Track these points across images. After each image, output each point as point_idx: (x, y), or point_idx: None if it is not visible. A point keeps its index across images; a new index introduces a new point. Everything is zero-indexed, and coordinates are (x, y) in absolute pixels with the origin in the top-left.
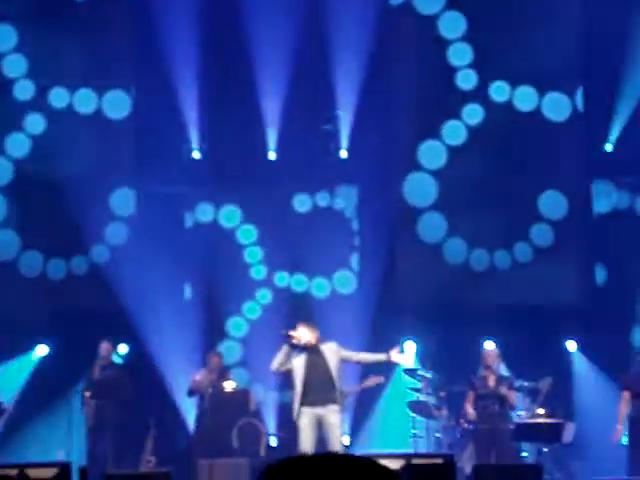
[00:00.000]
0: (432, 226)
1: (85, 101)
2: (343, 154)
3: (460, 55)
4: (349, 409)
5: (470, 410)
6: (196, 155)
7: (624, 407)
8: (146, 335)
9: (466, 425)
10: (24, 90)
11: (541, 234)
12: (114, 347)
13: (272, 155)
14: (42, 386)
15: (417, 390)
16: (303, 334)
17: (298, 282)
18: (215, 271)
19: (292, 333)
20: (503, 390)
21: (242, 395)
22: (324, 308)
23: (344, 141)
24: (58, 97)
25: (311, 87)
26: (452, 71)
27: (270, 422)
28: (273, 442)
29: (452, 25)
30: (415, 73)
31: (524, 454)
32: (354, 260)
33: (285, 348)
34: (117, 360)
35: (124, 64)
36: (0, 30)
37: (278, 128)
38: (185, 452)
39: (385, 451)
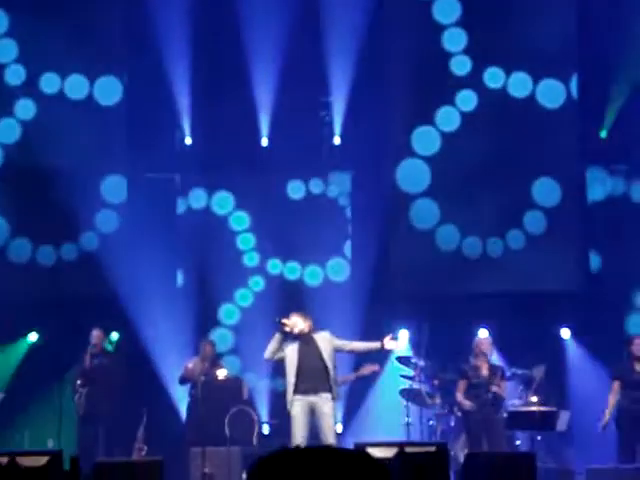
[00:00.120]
0: (425, 213)
1: (76, 87)
2: (336, 140)
3: (454, 40)
4: (342, 397)
5: (466, 401)
6: (188, 141)
7: (613, 398)
8: (138, 323)
9: (459, 414)
10: (15, 75)
11: (534, 221)
12: (105, 335)
13: (265, 141)
14: (32, 374)
15: (410, 378)
16: (296, 322)
17: (291, 269)
18: (207, 258)
19: (285, 321)
20: (495, 381)
21: (234, 383)
22: (317, 296)
23: (337, 127)
24: (49, 83)
25: (304, 73)
26: (446, 57)
27: (263, 410)
28: (266, 430)
29: (447, 10)
30: (409, 58)
31: (517, 442)
32: (347, 248)
33: (278, 336)
34: (108, 348)
35: (116, 50)
36: None
37: (271, 114)
38: (177, 440)
39: (378, 439)
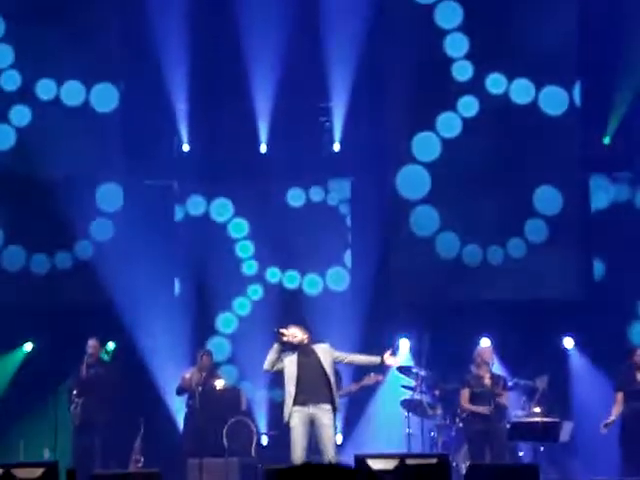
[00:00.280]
0: (425, 220)
1: (73, 93)
2: (336, 147)
3: (456, 46)
4: (342, 408)
5: (476, 407)
6: (186, 148)
7: (617, 409)
8: (134, 332)
9: (461, 424)
10: (10, 81)
11: (535, 229)
12: (102, 344)
13: (263, 148)
14: (28, 384)
15: (411, 388)
16: (295, 333)
17: (290, 278)
18: (205, 265)
19: (284, 331)
20: (497, 390)
21: (232, 394)
22: (316, 305)
23: (337, 134)
24: (45, 89)
25: (303, 79)
26: (448, 62)
27: (261, 421)
28: (264, 441)
29: (449, 15)
30: (410, 64)
31: (520, 453)
32: (347, 257)
33: (276, 347)
34: (105, 358)
35: (113, 56)
36: None
37: (270, 120)
38: (174, 451)
39: (378, 450)
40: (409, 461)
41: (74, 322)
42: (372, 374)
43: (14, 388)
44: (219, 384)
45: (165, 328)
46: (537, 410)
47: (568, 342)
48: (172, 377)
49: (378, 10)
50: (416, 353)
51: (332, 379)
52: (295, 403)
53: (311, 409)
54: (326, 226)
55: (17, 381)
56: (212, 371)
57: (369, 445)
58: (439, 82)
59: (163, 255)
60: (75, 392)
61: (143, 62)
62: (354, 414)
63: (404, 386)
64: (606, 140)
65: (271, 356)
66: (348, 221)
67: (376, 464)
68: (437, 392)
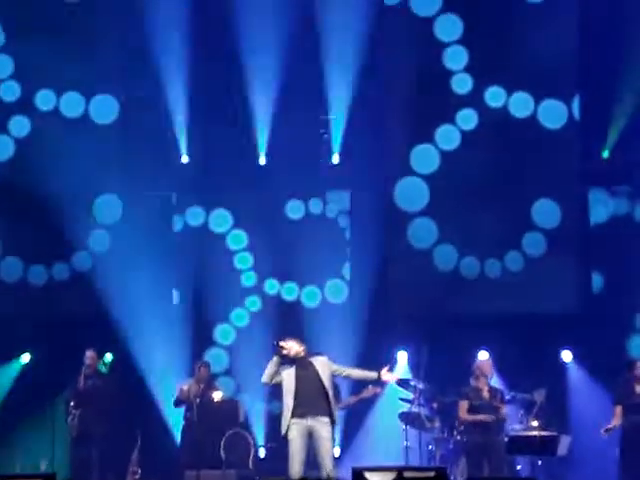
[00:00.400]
0: (423, 232)
1: (72, 104)
2: (335, 159)
3: (456, 59)
4: (340, 420)
5: (475, 416)
6: (185, 159)
7: (616, 422)
8: (132, 344)
9: (459, 437)
10: (9, 91)
11: (534, 243)
12: (99, 356)
13: (262, 160)
14: (25, 395)
15: (409, 401)
16: (292, 346)
17: (289, 290)
18: (204, 277)
19: (283, 344)
20: (496, 403)
21: (230, 406)
22: (315, 317)
23: (336, 146)
24: (44, 99)
25: (303, 91)
26: (447, 75)
27: (259, 433)
28: (262, 454)
29: (448, 28)
30: (410, 76)
31: (518, 467)
32: (346, 269)
33: (275, 359)
34: (102, 369)
35: (112, 68)
36: None
37: (269, 132)
38: (172, 463)
39: (376, 463)
40: (407, 474)
41: (72, 333)
42: (370, 386)
43: (11, 399)
44: (217, 396)
45: (163, 339)
46: (535, 424)
47: (566, 355)
48: (170, 389)
49: (378, 22)
50: (414, 366)
51: (330, 392)
52: (293, 416)
53: (309, 422)
54: (325, 238)
55: (14, 392)
56: (210, 383)
57: (367, 458)
58: (438, 95)
59: (161, 266)
60: (72, 403)
61: (143, 74)
62: (352, 426)
63: (402, 399)
64: (605, 154)
65: (270, 369)
66: (347, 233)
67: (374, 477)
68: (435, 405)
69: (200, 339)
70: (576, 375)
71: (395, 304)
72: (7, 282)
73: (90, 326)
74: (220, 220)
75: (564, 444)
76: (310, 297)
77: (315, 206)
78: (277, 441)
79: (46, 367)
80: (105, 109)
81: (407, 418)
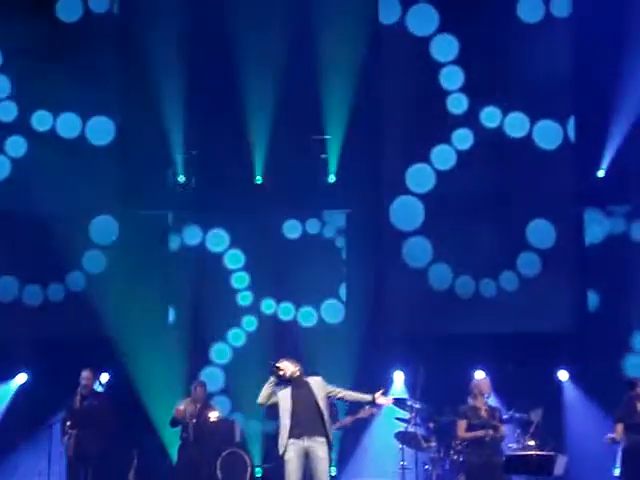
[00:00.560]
0: (417, 251)
1: (69, 126)
2: (331, 179)
3: (452, 79)
4: (336, 440)
5: (478, 433)
6: (182, 179)
7: (618, 436)
8: (128, 363)
9: (455, 457)
10: (6, 112)
11: (528, 263)
12: (96, 375)
13: (259, 180)
14: (21, 415)
15: (406, 421)
16: (288, 366)
17: (285, 310)
18: (201, 296)
19: (280, 365)
20: (494, 422)
21: (227, 425)
22: (311, 337)
23: (333, 166)
24: (41, 120)
25: (299, 111)
26: (443, 95)
27: (255, 453)
28: (258, 474)
29: (444, 48)
30: (406, 96)
31: None
32: (342, 290)
33: (272, 380)
34: (99, 389)
35: (109, 90)
36: None
37: (265, 152)
38: None
39: None
40: None
41: (68, 353)
42: (367, 407)
43: (7, 419)
44: (213, 416)
45: (159, 359)
46: (531, 443)
47: (562, 375)
48: (166, 409)
49: (374, 42)
50: (411, 385)
51: (325, 412)
52: (290, 436)
53: (306, 442)
54: (322, 258)
55: (10, 412)
56: (206, 403)
57: (363, 477)
58: (434, 114)
59: (158, 285)
60: (69, 423)
61: (139, 95)
62: (349, 446)
63: (398, 418)
64: (600, 173)
65: (266, 390)
66: (343, 254)
67: None
68: (431, 425)
69: (196, 358)
70: (572, 394)
71: (391, 324)
72: (3, 302)
73: (86, 346)
74: (217, 240)
75: (561, 464)
76: (306, 317)
77: (312, 226)
78: (273, 461)
79: (42, 387)
80: (101, 130)
81: (403, 438)
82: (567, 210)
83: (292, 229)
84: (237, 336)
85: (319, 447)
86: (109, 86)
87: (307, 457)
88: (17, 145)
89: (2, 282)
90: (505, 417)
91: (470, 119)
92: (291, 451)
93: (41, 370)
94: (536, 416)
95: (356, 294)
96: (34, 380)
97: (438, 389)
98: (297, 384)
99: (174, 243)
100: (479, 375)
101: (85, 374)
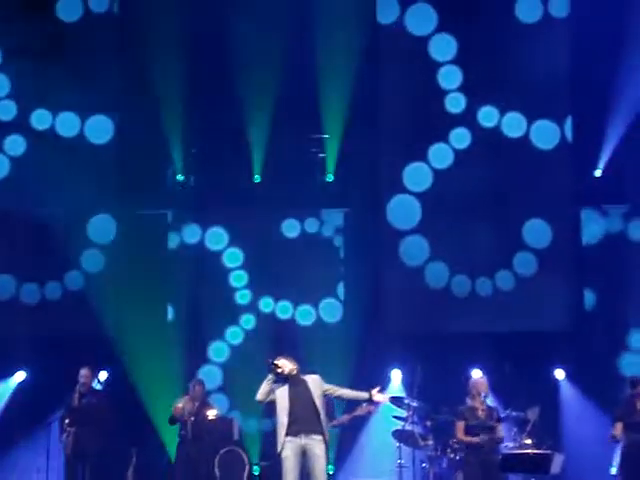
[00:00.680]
0: (414, 249)
1: (68, 124)
2: (329, 178)
3: (450, 78)
4: (334, 438)
5: (472, 438)
6: (181, 178)
7: (618, 434)
8: (127, 361)
9: (452, 455)
10: (5, 110)
11: (524, 262)
12: (94, 373)
13: (258, 179)
14: (20, 413)
15: (403, 419)
16: (285, 364)
17: (283, 309)
18: (199, 294)
19: (278, 363)
20: (492, 422)
21: (225, 423)
22: (309, 336)
23: (331, 165)
24: (40, 119)
25: (297, 110)
26: (441, 94)
27: (253, 451)
28: (256, 472)
29: (443, 48)
30: (404, 95)
31: None
32: (340, 289)
33: (270, 378)
34: (97, 387)
35: (108, 89)
36: None
37: (264, 151)
38: None
39: None
40: None
41: (66, 351)
42: (364, 404)
43: (6, 417)
44: (211, 414)
45: (158, 357)
46: (528, 442)
47: (559, 373)
48: (165, 406)
49: (373, 42)
50: (408, 384)
51: (322, 411)
52: (288, 434)
53: (303, 440)
54: (320, 257)
55: (9, 410)
56: (204, 401)
57: (360, 475)
58: (432, 113)
59: (156, 283)
60: (67, 421)
61: (138, 94)
62: (346, 444)
63: (396, 417)
64: (597, 173)
65: (264, 387)
66: (342, 253)
67: None
68: (429, 423)
69: (195, 356)
70: (569, 393)
71: (388, 322)
72: (0, 300)
73: (84, 344)
74: (216, 238)
75: (557, 462)
76: (304, 316)
77: (311, 225)
78: (271, 459)
79: (40, 385)
80: (100, 129)
81: (401, 436)
82: (564, 210)
83: (290, 228)
84: (235, 334)
85: (316, 445)
86: (108, 85)
87: (304, 455)
88: (16, 144)
89: (0, 280)
90: (502, 416)
91: (468, 118)
92: (288, 449)
93: (40, 368)
94: (533, 414)
95: (354, 293)
96: (33, 378)
97: (435, 387)
98: (294, 382)
99: (173, 242)
100: (476, 374)
101: (84, 372)
